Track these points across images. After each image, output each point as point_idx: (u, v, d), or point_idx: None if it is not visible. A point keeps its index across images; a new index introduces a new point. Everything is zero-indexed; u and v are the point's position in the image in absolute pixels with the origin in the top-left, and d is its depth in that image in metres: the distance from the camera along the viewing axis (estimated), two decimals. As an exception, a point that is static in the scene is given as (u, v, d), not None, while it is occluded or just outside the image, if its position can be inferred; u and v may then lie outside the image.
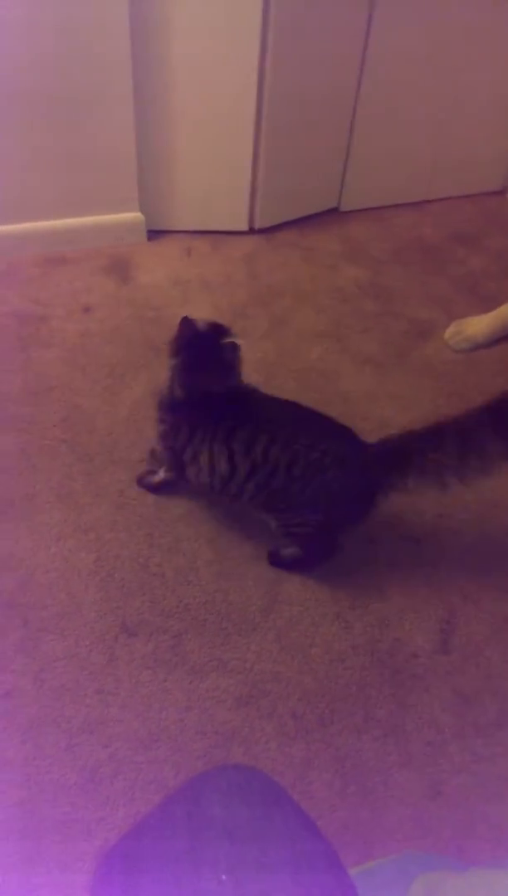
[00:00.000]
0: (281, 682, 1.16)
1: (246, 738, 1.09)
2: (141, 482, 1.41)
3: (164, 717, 1.11)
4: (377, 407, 1.65)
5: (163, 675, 1.15)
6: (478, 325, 1.82)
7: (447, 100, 2.13)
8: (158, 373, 1.65)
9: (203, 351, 1.20)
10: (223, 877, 0.48)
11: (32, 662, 1.15)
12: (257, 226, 2.11)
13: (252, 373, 1.56)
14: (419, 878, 0.81)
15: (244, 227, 2.11)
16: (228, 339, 1.19)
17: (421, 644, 1.22)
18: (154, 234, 2.05)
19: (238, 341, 1.20)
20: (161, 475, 1.39)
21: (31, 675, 1.14)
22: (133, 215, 1.99)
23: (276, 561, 1.31)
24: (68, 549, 1.31)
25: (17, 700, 1.11)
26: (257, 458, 1.16)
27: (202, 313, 1.81)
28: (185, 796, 0.56)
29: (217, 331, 1.21)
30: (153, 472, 1.40)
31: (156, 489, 1.40)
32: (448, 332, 1.84)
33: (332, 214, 2.25)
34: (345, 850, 0.99)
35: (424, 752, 1.09)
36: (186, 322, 1.21)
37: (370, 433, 1.57)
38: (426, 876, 0.75)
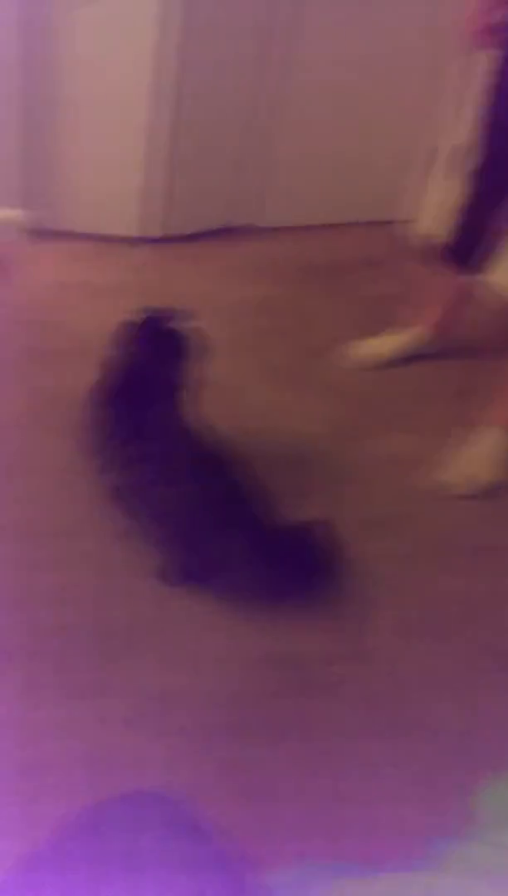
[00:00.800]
0: (171, 700, 1.06)
1: (134, 761, 0.99)
2: None
3: (43, 748, 0.98)
4: (285, 421, 1.62)
5: (36, 702, 1.03)
6: (384, 344, 1.85)
7: (361, 130, 2.20)
8: (40, 380, 1.56)
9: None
10: None
11: None
12: (151, 233, 2.07)
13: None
14: (325, 887, 0.74)
15: (138, 233, 2.06)
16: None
17: (325, 650, 1.16)
18: (40, 234, 1.96)
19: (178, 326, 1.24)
20: None
21: None
22: (13, 211, 1.89)
23: (163, 575, 1.22)
24: None
25: None
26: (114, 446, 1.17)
27: (91, 323, 1.75)
28: (82, 828, 0.52)
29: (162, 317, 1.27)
30: None
31: None
32: (356, 351, 1.85)
33: (235, 229, 2.25)
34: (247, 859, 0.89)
35: (328, 758, 1.03)
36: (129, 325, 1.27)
37: (277, 447, 1.56)
38: (332, 884, 0.69)
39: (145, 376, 1.24)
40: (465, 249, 1.67)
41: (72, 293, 1.83)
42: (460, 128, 2.13)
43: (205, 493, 1.14)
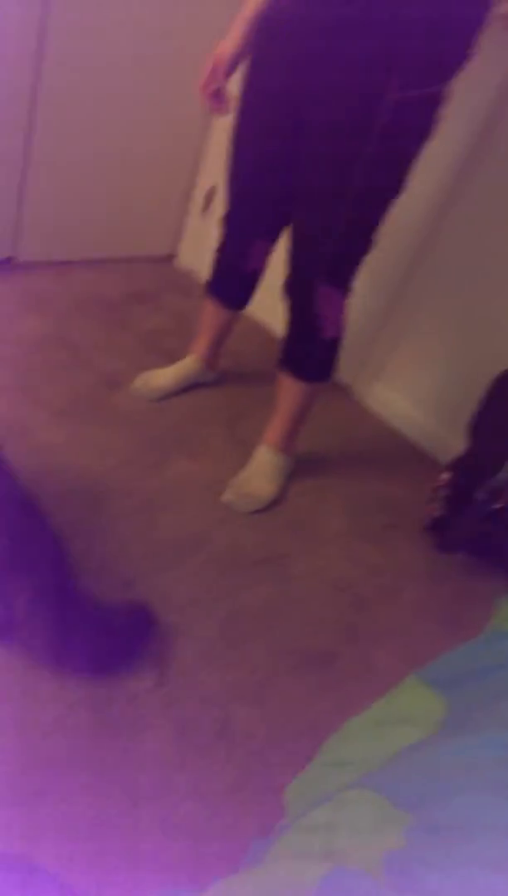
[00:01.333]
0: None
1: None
2: None
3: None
4: (76, 457, 1.65)
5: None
6: (164, 376, 1.96)
7: (122, 161, 2.24)
8: None
9: None
10: None
11: None
12: None
13: None
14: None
15: None
16: None
17: (137, 684, 1.24)
18: None
19: None
20: None
21: None
22: None
23: None
24: None
25: None
26: None
27: None
28: None
29: None
30: None
31: None
32: (137, 383, 1.94)
33: (6, 264, 2.21)
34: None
35: (152, 790, 1.10)
36: None
37: (71, 483, 1.59)
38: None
39: None
40: (224, 286, 1.80)
41: None
42: (211, 171, 2.34)
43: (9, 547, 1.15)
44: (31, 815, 1.03)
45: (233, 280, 1.79)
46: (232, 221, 1.66)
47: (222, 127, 2.19)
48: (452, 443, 1.81)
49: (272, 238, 1.65)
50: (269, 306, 1.84)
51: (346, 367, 1.88)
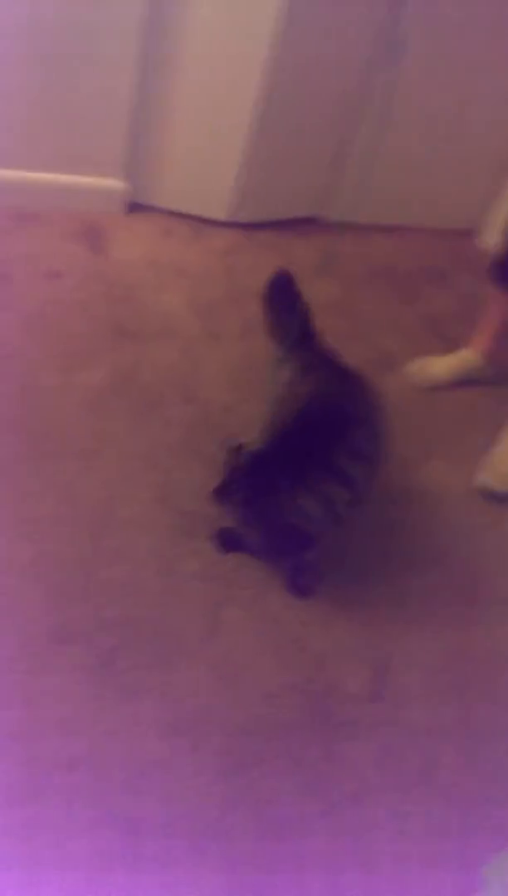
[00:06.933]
0: (211, 715, 1.14)
1: (170, 770, 1.06)
2: None
3: (86, 741, 1.06)
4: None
5: (92, 691, 1.10)
6: (440, 365, 1.85)
7: (437, 134, 2.13)
8: (122, 357, 1.57)
9: None
10: None
11: (-48, 664, 1.07)
12: (238, 218, 2.04)
13: (220, 374, 1.51)
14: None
15: (225, 216, 2.03)
16: None
17: (354, 690, 1.23)
18: (134, 206, 1.93)
19: None
20: None
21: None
22: (115, 182, 1.86)
23: None
24: (5, 539, 1.22)
25: None
26: None
27: (177, 302, 1.75)
28: None
29: None
30: None
31: None
32: (412, 368, 1.86)
33: (312, 223, 2.20)
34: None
35: (344, 803, 1.10)
36: None
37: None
38: None
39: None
40: None
41: (160, 271, 1.81)
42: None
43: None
44: (226, 787, 1.08)
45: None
46: None
47: None
48: None
49: None
50: None
51: None
